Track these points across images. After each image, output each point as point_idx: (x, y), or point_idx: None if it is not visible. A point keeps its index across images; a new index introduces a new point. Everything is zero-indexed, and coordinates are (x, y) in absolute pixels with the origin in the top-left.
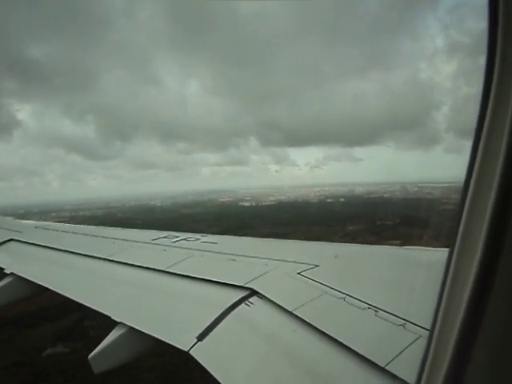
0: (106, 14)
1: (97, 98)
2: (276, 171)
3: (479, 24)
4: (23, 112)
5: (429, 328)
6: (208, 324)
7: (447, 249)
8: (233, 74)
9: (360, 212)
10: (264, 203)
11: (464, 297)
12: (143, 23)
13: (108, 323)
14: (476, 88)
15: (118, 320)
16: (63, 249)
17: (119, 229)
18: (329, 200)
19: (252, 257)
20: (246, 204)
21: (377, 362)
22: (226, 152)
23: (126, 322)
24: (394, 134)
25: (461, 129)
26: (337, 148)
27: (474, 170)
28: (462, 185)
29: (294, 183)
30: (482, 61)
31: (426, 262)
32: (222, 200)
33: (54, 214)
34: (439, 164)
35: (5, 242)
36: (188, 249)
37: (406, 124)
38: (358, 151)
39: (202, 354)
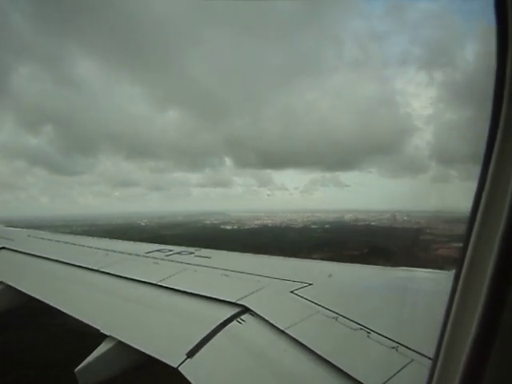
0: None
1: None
2: (268, 195)
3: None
4: None
5: (421, 352)
6: (198, 340)
7: (443, 271)
8: (175, 84)
9: (336, 240)
10: (247, 227)
11: (472, 324)
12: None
13: None
14: (458, 113)
15: (107, 333)
16: (55, 259)
17: (113, 240)
18: (313, 226)
19: (245, 273)
20: (228, 227)
21: None
22: (203, 172)
23: (115, 336)
24: (372, 158)
25: (444, 157)
26: (316, 172)
27: (484, 192)
28: (451, 215)
29: (287, 208)
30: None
31: (420, 284)
32: (206, 222)
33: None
34: (428, 193)
35: None
36: (181, 263)
37: (383, 149)
38: (342, 176)
39: (191, 371)
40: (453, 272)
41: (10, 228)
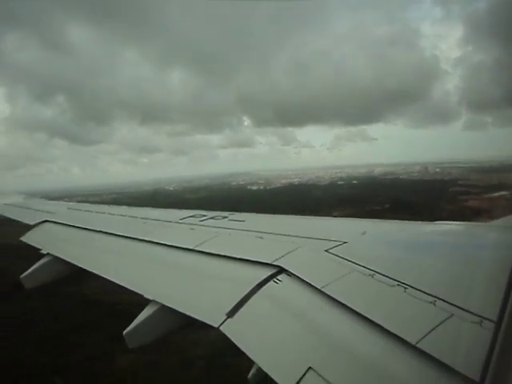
0: None
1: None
2: (295, 153)
3: None
4: None
5: (460, 305)
6: (237, 301)
7: (478, 223)
8: (176, 41)
9: (360, 195)
10: (273, 186)
11: None
12: None
13: None
14: (488, 53)
15: (150, 298)
16: (97, 229)
17: (149, 209)
18: (340, 182)
19: (279, 234)
20: (254, 188)
21: (407, 339)
22: (222, 133)
23: (158, 300)
24: (396, 108)
25: (475, 101)
26: (339, 127)
27: None
28: (486, 165)
29: (316, 165)
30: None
31: (456, 238)
32: (233, 183)
33: (66, 199)
34: (459, 143)
35: (40, 223)
36: (215, 227)
37: (407, 97)
38: (368, 130)
39: (231, 331)
40: (488, 224)
41: (50, 201)
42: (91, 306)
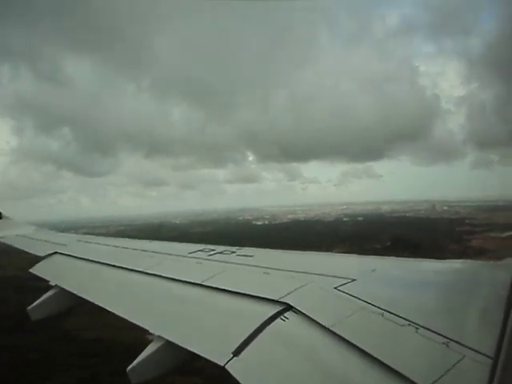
0: None
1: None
2: (302, 189)
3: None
4: None
5: (473, 347)
6: (243, 339)
7: (494, 262)
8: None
9: (362, 233)
10: (278, 222)
11: None
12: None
13: None
14: (491, 90)
15: (156, 333)
16: (104, 262)
17: (157, 242)
18: (345, 219)
19: (287, 270)
20: (259, 223)
21: (418, 382)
22: (227, 168)
23: (163, 335)
24: (400, 145)
25: (481, 140)
26: (343, 163)
27: None
28: (493, 204)
29: (323, 201)
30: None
31: (469, 277)
32: (239, 218)
33: (72, 231)
34: (467, 181)
35: (50, 254)
36: (223, 262)
37: (410, 135)
38: (374, 167)
39: (237, 369)
40: (500, 263)
41: (61, 233)
42: (71, 341)
